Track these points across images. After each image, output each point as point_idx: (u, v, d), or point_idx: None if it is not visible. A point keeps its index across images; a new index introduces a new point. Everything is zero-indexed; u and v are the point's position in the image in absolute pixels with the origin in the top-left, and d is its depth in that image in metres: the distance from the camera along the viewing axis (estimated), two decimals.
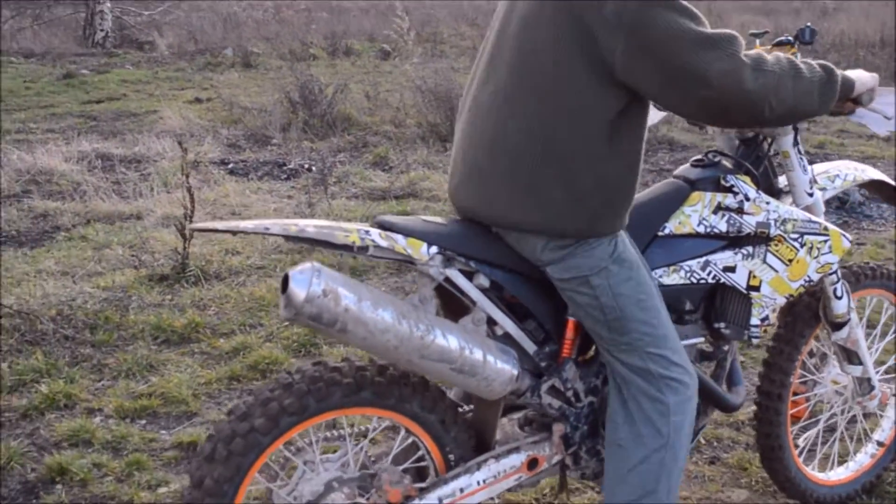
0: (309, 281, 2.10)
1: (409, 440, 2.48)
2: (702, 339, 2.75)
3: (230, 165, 8.19)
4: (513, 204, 2.28)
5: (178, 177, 6.74)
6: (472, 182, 2.37)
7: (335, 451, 2.46)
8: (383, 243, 2.24)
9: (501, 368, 2.36)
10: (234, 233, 2.15)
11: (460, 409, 2.62)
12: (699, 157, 2.78)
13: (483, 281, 2.37)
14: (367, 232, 2.23)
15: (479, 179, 2.34)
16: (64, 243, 5.96)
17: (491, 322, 2.40)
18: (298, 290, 2.09)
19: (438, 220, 2.42)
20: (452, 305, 2.42)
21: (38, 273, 5.33)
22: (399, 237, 2.28)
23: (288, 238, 2.16)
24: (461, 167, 2.42)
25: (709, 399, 2.76)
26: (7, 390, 3.88)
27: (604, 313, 2.36)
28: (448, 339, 2.27)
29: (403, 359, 2.25)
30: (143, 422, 3.73)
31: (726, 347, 2.80)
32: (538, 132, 2.19)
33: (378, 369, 2.38)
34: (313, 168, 8.05)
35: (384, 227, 2.31)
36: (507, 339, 2.44)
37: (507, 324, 2.41)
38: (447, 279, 2.33)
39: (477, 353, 2.31)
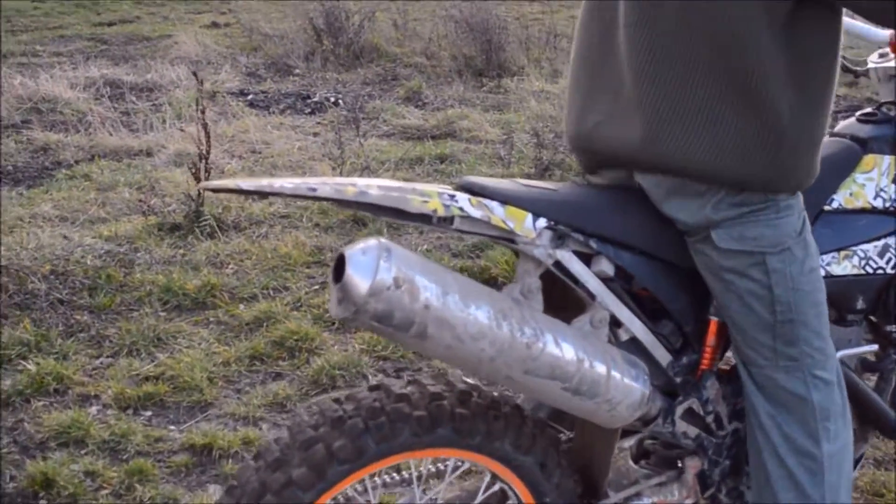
0: (375, 265, 1.49)
1: (497, 487, 1.87)
2: (873, 349, 2.14)
3: (249, 97, 7.49)
4: (681, 142, 1.70)
5: (193, 108, 6.06)
6: (622, 119, 1.78)
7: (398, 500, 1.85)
8: (475, 213, 1.63)
9: (629, 387, 1.75)
10: (264, 195, 1.50)
11: (562, 438, 2.01)
12: (868, 110, 2.19)
13: (606, 267, 1.77)
14: (451, 197, 1.62)
15: (633, 115, 1.75)
16: (64, 182, 5.31)
17: (614, 323, 1.80)
18: (360, 279, 1.49)
19: (544, 184, 1.81)
20: (556, 299, 1.79)
21: (33, 218, 4.68)
22: (495, 205, 1.67)
23: (342, 203, 1.54)
24: (600, 103, 1.83)
25: (870, 420, 2.17)
26: None
27: (773, 312, 1.81)
28: (562, 348, 1.67)
29: (500, 374, 1.66)
30: (149, 413, 3.11)
31: None
32: (714, 60, 1.68)
33: (460, 397, 1.76)
34: (340, 102, 7.34)
35: (472, 190, 1.70)
36: (633, 345, 1.84)
37: (636, 326, 1.82)
38: (557, 263, 1.73)
39: (599, 367, 1.70)
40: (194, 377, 3.25)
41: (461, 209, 1.61)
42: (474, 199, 1.64)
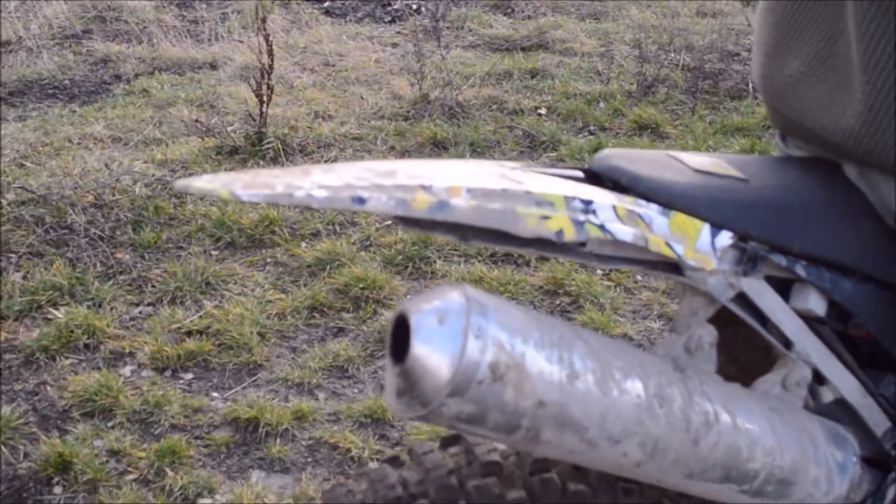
0: (461, 342, 0.94)
1: None
2: None
3: (325, 3, 6.92)
4: None
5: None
6: (830, 89, 1.20)
7: None
8: (625, 233, 1.04)
9: (833, 479, 1.18)
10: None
11: None
12: None
13: (815, 303, 1.16)
14: (587, 206, 1.03)
15: (849, 88, 1.18)
16: (121, 99, 4.88)
17: (816, 379, 1.20)
18: (435, 366, 0.94)
19: (723, 162, 1.18)
20: (728, 346, 1.21)
21: (83, 139, 4.27)
22: (654, 213, 1.06)
23: (407, 223, 0.99)
24: (802, 53, 1.25)
25: None
26: (14, 315, 2.86)
27: None
28: (744, 436, 1.10)
29: (648, 479, 1.10)
30: (189, 376, 2.68)
31: None
32: None
33: (572, 472, 1.23)
34: (422, 9, 6.73)
35: (616, 180, 1.10)
36: (838, 408, 1.24)
37: (848, 385, 1.22)
38: (740, 295, 1.12)
39: (794, 456, 1.13)
40: (244, 333, 2.81)
41: (602, 228, 1.03)
42: (622, 208, 1.04)
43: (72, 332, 2.77)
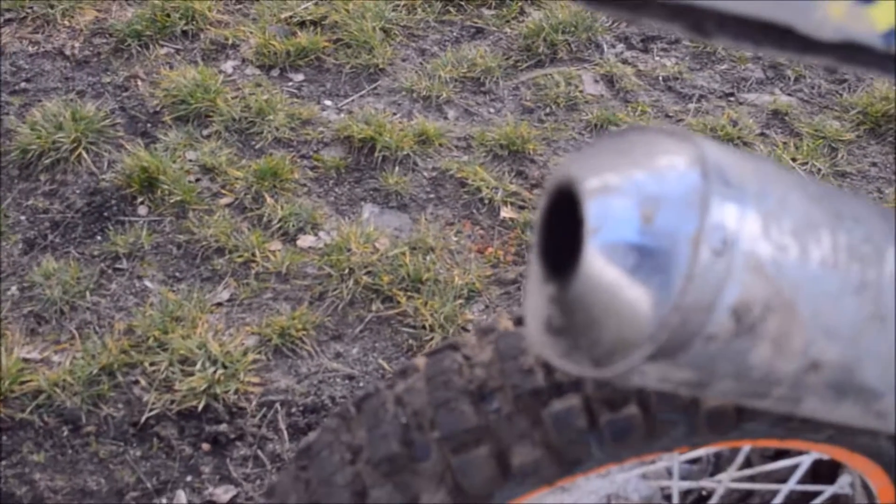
0: (689, 251, 0.50)
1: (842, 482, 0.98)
2: None
3: None
4: None
5: None
6: None
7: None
8: None
9: None
10: None
11: None
12: None
13: None
14: None
15: None
16: None
17: None
18: (633, 294, 0.51)
19: None
20: None
21: None
22: None
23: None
24: None
25: None
26: None
27: None
28: None
29: None
30: (300, 78, 2.29)
31: None
32: None
33: None
34: None
35: None
36: None
37: None
38: None
39: None
40: (365, 28, 2.36)
41: None
42: None
43: (168, 15, 2.37)
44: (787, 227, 0.53)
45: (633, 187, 0.52)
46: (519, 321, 0.89)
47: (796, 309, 0.53)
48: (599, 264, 0.51)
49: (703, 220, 0.51)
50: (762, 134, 2.20)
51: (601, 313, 0.52)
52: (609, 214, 0.52)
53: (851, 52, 0.56)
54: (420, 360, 0.88)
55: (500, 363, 0.83)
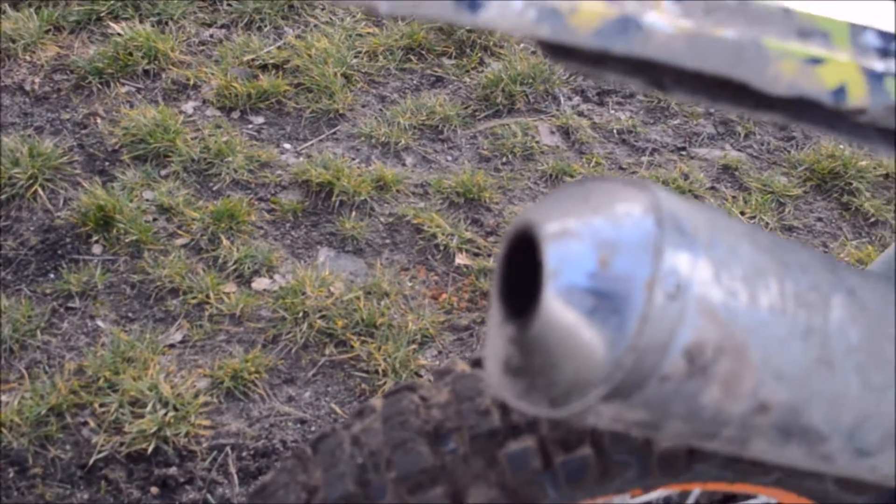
0: (643, 295, 0.53)
1: None
2: None
3: None
4: None
5: None
6: None
7: None
8: None
9: None
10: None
11: None
12: None
13: None
14: (888, 47, 0.57)
15: None
16: None
17: None
18: (588, 335, 0.53)
19: None
20: None
21: None
22: None
23: (559, 54, 0.55)
24: None
25: None
26: (70, 26, 2.48)
27: None
28: None
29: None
30: (260, 121, 2.30)
31: None
32: None
33: None
34: None
35: None
36: None
37: None
38: None
39: None
40: (326, 73, 2.38)
41: None
42: None
43: (130, 53, 2.38)
44: (737, 274, 0.55)
45: (591, 232, 0.54)
46: (475, 363, 0.90)
47: (747, 352, 0.55)
48: (558, 306, 0.53)
49: (657, 264, 0.53)
50: (712, 188, 2.25)
51: (559, 354, 0.53)
52: (567, 258, 0.53)
53: (802, 108, 0.59)
54: (377, 401, 0.89)
55: (457, 404, 0.84)
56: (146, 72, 2.38)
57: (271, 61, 2.44)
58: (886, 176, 2.34)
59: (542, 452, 0.82)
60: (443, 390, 0.87)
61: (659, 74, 0.58)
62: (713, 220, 0.57)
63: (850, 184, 2.29)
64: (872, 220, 2.24)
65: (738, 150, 2.38)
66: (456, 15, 0.52)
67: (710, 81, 0.58)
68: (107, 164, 2.13)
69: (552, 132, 2.34)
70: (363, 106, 2.37)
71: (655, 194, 0.55)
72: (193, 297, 1.85)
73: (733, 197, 2.23)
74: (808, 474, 0.88)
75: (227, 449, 1.63)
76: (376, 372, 1.77)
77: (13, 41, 2.38)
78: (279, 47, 2.48)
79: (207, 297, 1.85)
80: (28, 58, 2.37)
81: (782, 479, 0.87)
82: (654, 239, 0.53)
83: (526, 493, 0.82)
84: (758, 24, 0.56)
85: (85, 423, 1.63)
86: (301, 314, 1.84)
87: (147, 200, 2.04)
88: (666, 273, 0.53)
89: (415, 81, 2.45)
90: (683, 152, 2.35)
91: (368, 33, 2.57)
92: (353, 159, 2.20)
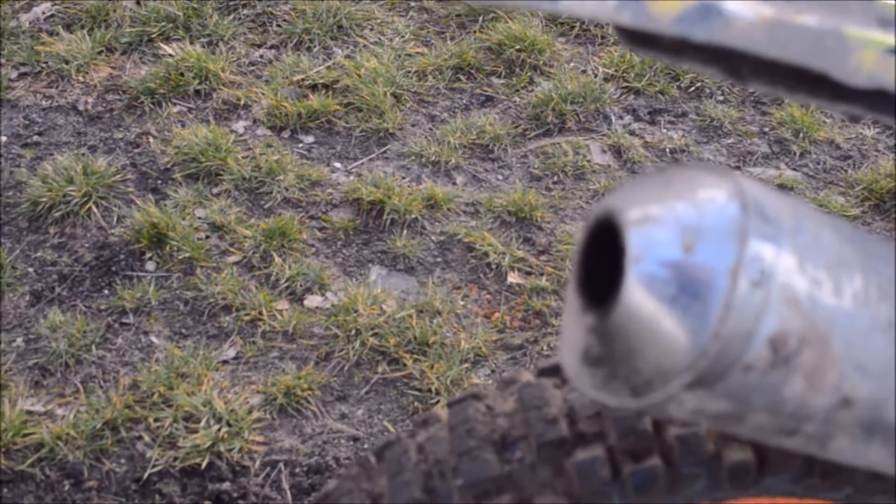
0: (728, 282, 0.51)
1: None
2: None
3: None
4: None
5: None
6: None
7: None
8: None
9: None
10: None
11: None
12: None
13: None
14: None
15: None
16: None
17: None
18: (671, 324, 0.51)
19: None
20: None
21: None
22: None
23: (637, 42, 0.54)
24: None
25: None
26: (122, 48, 2.51)
27: None
28: None
29: None
30: (310, 140, 2.31)
31: None
32: None
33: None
34: None
35: None
36: None
37: None
38: None
39: None
40: (376, 93, 2.39)
41: None
42: None
43: (182, 74, 2.41)
44: (821, 263, 0.54)
45: (674, 218, 0.53)
46: (541, 373, 0.89)
47: (830, 343, 0.53)
48: (640, 292, 0.51)
49: (741, 251, 0.51)
50: None
51: (641, 342, 0.52)
52: (650, 244, 0.52)
53: (881, 99, 0.57)
54: (441, 410, 0.87)
55: (524, 413, 0.83)
56: (197, 92, 2.40)
57: (321, 81, 2.45)
58: None
59: (611, 462, 0.81)
60: (508, 399, 0.86)
61: (737, 63, 0.57)
62: (796, 208, 0.56)
63: None
64: None
65: (794, 170, 2.34)
66: (538, 2, 0.52)
67: (789, 72, 0.56)
68: (159, 182, 2.15)
69: (603, 151, 2.33)
70: (413, 125, 2.37)
71: (738, 181, 0.54)
72: (246, 314, 1.86)
73: None
74: (880, 490, 0.86)
75: (281, 465, 1.63)
76: (429, 390, 1.75)
77: (66, 62, 2.42)
78: (329, 67, 2.50)
79: (260, 313, 1.86)
80: (81, 78, 2.40)
81: (852, 494, 0.84)
82: (738, 225, 0.52)
83: (593, 502, 0.80)
84: (838, 13, 0.55)
85: (139, 438, 1.63)
86: (353, 332, 1.83)
87: (199, 218, 2.05)
88: (750, 260, 0.51)
89: (464, 101, 2.45)
90: (737, 172, 2.32)
91: (417, 53, 2.57)
92: (404, 178, 2.20)
